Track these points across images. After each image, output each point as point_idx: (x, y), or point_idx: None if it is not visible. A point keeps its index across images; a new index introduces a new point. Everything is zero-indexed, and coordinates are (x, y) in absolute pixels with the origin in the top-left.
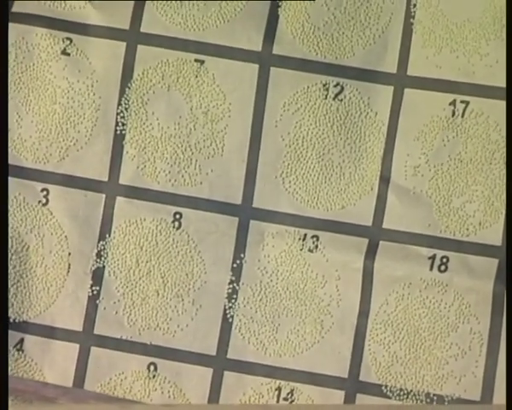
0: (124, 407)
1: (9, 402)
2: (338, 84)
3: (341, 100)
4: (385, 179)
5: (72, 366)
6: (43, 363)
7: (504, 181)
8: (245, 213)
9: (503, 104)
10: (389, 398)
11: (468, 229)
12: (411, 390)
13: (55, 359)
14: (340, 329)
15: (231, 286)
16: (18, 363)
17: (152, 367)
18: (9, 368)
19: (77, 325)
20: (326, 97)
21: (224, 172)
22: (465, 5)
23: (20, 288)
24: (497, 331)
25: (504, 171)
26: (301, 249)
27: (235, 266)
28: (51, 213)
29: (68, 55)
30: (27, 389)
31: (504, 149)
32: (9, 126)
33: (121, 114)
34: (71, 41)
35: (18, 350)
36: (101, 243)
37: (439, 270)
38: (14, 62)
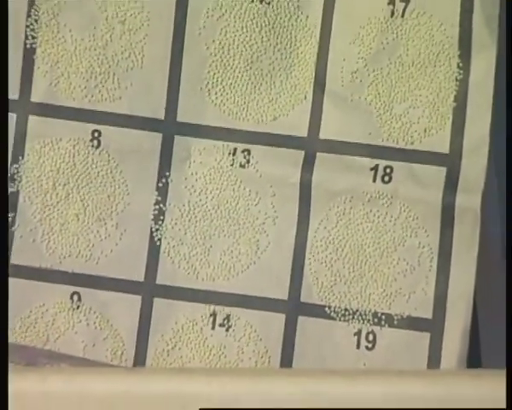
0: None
1: None
2: None
3: (269, 3)
4: (319, 87)
5: None
6: None
7: (451, 84)
8: (169, 128)
9: (446, 2)
10: (333, 319)
11: (412, 136)
12: (357, 310)
13: None
14: (278, 248)
15: (157, 207)
16: None
17: (75, 297)
18: None
19: None
20: (253, 1)
21: (145, 85)
22: None
23: None
24: (447, 244)
25: (450, 73)
26: (232, 165)
27: (160, 185)
28: None
29: None
30: None
31: (450, 50)
32: None
33: (31, 27)
34: None
35: None
36: (14, 166)
37: (383, 181)
38: None
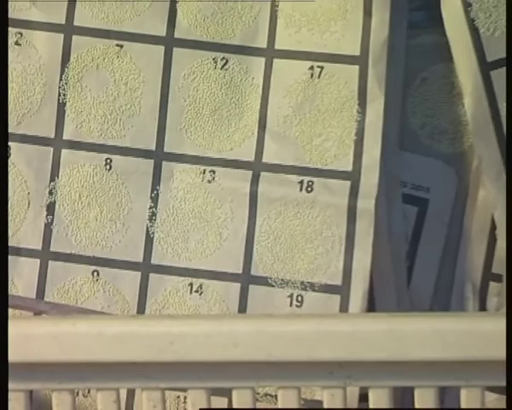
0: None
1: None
2: (224, 57)
3: (227, 69)
4: (262, 127)
5: (35, 275)
6: (13, 275)
7: (352, 124)
8: (158, 156)
9: (349, 67)
10: (273, 287)
11: (326, 160)
12: (289, 280)
13: (22, 271)
14: (235, 238)
15: (151, 211)
16: None
17: (95, 273)
18: None
19: (37, 245)
20: (215, 68)
21: (142, 127)
22: None
23: None
24: (351, 235)
25: (352, 116)
26: (202, 181)
27: (153, 195)
28: (13, 164)
29: (20, 45)
30: (26, 305)
31: (352, 101)
32: None
33: (62, 88)
34: (21, 34)
35: None
36: (52, 183)
37: (307, 191)
38: None
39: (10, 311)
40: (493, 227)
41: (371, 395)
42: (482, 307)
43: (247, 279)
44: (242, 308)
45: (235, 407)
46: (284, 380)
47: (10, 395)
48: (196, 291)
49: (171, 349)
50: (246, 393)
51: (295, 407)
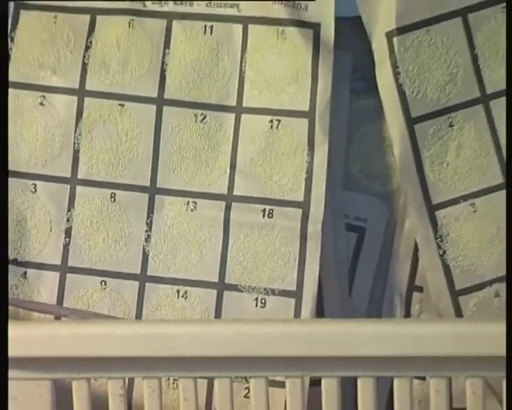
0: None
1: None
2: (203, 113)
3: (205, 123)
4: (233, 167)
5: (56, 285)
6: (39, 285)
7: (303, 165)
8: (152, 191)
9: (300, 120)
10: (242, 292)
11: (283, 192)
12: (255, 286)
13: (46, 282)
14: (212, 254)
15: (147, 234)
16: (24, 286)
17: (103, 283)
18: (18, 291)
19: (57, 261)
20: (196, 122)
21: (139, 168)
22: (273, 67)
23: (22, 242)
24: (303, 251)
25: (303, 158)
26: (186, 210)
27: (148, 222)
28: (38, 198)
29: (44, 105)
30: (48, 310)
31: (303, 146)
32: (10, 149)
33: (77, 138)
34: (44, 97)
35: (23, 278)
36: (68, 213)
37: (268, 217)
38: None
39: (35, 314)
40: (416, 249)
41: (323, 383)
42: (407, 312)
43: (222, 286)
44: (218, 309)
45: (216, 391)
46: (255, 371)
47: (39, 383)
48: (182, 296)
49: (167, 347)
50: (225, 381)
51: (264, 390)
